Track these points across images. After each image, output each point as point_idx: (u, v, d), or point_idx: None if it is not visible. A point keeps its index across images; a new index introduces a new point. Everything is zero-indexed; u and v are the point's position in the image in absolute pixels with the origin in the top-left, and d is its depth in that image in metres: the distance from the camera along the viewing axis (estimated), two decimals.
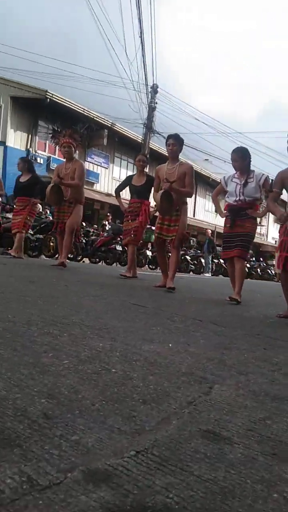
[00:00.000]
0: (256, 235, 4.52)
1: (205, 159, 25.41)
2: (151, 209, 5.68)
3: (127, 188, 5.78)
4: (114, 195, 6.11)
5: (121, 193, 5.86)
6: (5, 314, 2.12)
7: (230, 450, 0.97)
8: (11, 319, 2.04)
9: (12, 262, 5.62)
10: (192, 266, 15.51)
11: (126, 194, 5.92)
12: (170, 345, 1.92)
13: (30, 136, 17.18)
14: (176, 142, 4.60)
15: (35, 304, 2.51)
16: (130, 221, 5.59)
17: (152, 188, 5.19)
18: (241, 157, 4.27)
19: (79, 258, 11.37)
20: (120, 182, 6.03)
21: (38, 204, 7.35)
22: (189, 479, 0.83)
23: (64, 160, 5.65)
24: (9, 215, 8.43)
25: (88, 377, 1.36)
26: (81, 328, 2.02)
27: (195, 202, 26.75)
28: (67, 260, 5.76)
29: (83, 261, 11.67)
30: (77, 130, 6.33)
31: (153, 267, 12.78)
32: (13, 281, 3.47)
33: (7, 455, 0.85)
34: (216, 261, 16.66)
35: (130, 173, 13.26)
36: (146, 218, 5.56)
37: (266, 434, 1.08)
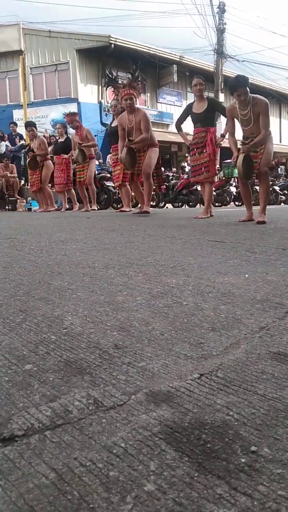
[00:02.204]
0: None
1: None
2: (218, 138, 5.16)
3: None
4: (176, 130, 5.66)
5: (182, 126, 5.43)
6: (86, 261, 2.23)
7: None
8: (91, 265, 2.14)
9: (95, 215, 5.84)
10: (282, 197, 14.57)
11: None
12: (247, 275, 1.86)
13: (100, 87, 17.05)
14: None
15: (113, 250, 2.59)
16: (197, 154, 5.14)
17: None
18: None
19: (162, 205, 11.37)
20: (180, 114, 5.47)
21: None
22: (252, 398, 0.82)
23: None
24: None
25: (159, 311, 1.39)
26: (155, 268, 2.05)
27: (280, 127, 24.59)
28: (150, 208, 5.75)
29: (166, 207, 11.66)
30: (136, 76, 5.92)
31: (240, 203, 12.29)
32: (95, 231, 3.61)
33: (77, 381, 0.92)
34: None
35: None
36: (215, 148, 5.06)
37: None
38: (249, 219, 4.38)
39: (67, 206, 7.87)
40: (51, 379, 0.93)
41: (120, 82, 5.71)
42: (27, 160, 7.30)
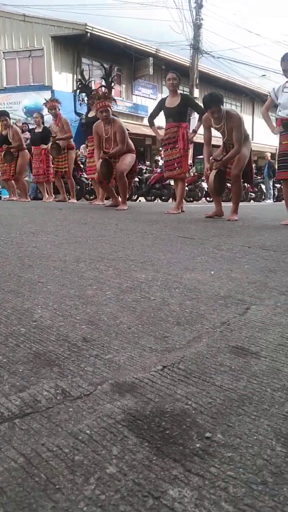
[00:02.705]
0: None
1: (262, 75, 23.30)
2: (190, 134, 5.22)
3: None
4: (148, 124, 5.69)
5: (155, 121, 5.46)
6: (57, 254, 2.25)
7: (256, 363, 1.01)
8: (62, 258, 2.16)
9: (67, 207, 5.81)
10: (252, 194, 14.92)
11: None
12: (212, 272, 1.94)
13: (75, 76, 16.79)
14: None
15: (85, 244, 2.62)
16: (169, 150, 5.16)
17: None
18: None
19: (135, 198, 11.41)
20: (153, 109, 5.47)
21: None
22: (210, 388, 0.88)
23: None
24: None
25: (127, 305, 1.44)
26: (125, 262, 2.09)
27: (252, 124, 25.03)
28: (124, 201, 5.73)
29: (139, 200, 11.71)
30: (107, 71, 5.85)
31: (211, 199, 12.49)
32: (67, 223, 3.62)
33: (46, 373, 0.96)
34: (278, 185, 15.83)
35: None
36: (186, 144, 5.08)
37: None
38: (217, 214, 4.50)
39: (52, 196, 7.80)
40: (20, 370, 0.97)
41: (93, 91, 5.66)
42: (2, 153, 7.12)
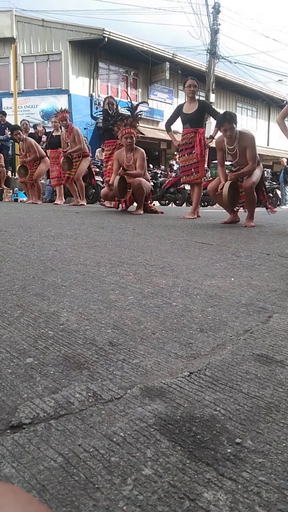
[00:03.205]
0: None
1: (279, 80, 23.25)
2: (207, 140, 5.27)
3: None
4: (165, 130, 5.78)
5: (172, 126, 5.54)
6: (78, 258, 2.29)
7: (281, 371, 1.02)
8: (83, 262, 2.20)
9: (83, 211, 5.87)
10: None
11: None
12: (232, 279, 1.95)
13: (92, 80, 16.96)
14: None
15: (104, 248, 2.66)
16: (186, 155, 5.21)
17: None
18: None
19: (149, 202, 11.44)
20: (170, 115, 5.55)
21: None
22: (237, 395, 0.91)
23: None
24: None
25: (150, 311, 1.47)
26: (145, 267, 2.12)
27: (268, 129, 24.90)
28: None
29: (153, 204, 11.74)
30: (136, 116, 5.90)
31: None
32: (85, 227, 3.67)
33: (77, 375, 0.99)
34: None
35: None
36: (203, 149, 5.13)
37: None
38: (232, 221, 4.50)
39: (63, 200, 7.90)
40: (51, 372, 1.00)
41: (119, 120, 5.73)
42: (17, 168, 7.24)
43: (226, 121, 4.05)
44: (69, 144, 6.72)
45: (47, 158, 7.43)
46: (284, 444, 0.74)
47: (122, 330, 1.28)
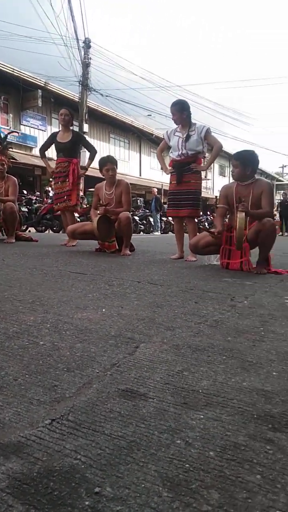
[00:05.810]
0: (202, 190, 4.53)
1: (148, 115, 24.97)
2: (80, 171, 5.38)
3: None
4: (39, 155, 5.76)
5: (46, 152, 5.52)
6: None
7: (144, 405, 1.04)
8: None
9: None
10: (141, 226, 15.61)
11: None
12: (104, 310, 1.96)
13: None
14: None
15: None
16: (60, 183, 5.30)
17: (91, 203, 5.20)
18: (179, 110, 4.23)
19: (24, 228, 11.05)
20: (45, 141, 5.57)
21: None
22: (99, 438, 0.88)
23: None
24: None
25: (14, 353, 1.37)
26: (12, 303, 2.00)
27: (140, 161, 26.44)
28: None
29: (29, 231, 11.37)
30: (5, 145, 5.75)
31: None
32: None
33: None
34: (164, 219, 16.84)
35: None
36: (76, 178, 5.25)
37: (181, 385, 1.16)
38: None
39: None
40: None
41: None
42: None
43: (109, 161, 4.41)
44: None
45: None
46: (143, 485, 0.74)
47: None
